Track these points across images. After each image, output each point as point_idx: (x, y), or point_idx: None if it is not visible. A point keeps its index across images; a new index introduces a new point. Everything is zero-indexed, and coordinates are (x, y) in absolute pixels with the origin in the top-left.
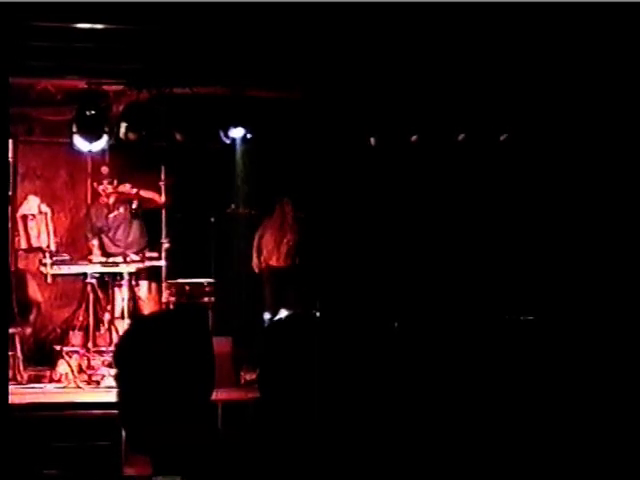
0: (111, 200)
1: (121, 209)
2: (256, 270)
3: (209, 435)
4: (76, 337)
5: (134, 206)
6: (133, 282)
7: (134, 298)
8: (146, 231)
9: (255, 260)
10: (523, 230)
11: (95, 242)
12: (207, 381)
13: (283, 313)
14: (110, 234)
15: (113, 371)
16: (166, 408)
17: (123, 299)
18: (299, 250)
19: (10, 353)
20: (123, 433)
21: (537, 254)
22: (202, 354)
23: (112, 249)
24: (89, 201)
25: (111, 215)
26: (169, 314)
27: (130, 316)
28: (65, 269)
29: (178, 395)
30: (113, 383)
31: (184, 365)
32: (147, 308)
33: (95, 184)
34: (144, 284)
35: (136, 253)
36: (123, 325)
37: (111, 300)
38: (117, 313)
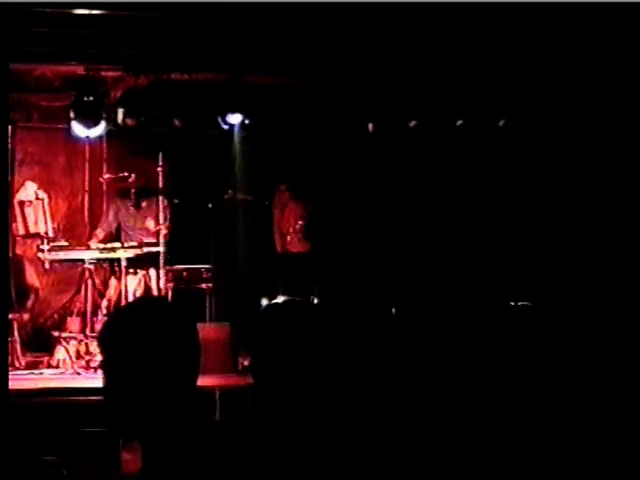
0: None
1: (144, 203)
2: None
3: (196, 420)
4: (74, 323)
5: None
6: (131, 269)
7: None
8: (152, 220)
9: (276, 242)
10: (521, 216)
11: (101, 236)
12: (191, 366)
13: (279, 299)
14: (127, 230)
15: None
16: (149, 394)
17: (120, 286)
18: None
19: (8, 339)
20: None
21: (534, 240)
22: (184, 339)
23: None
24: (87, 188)
25: (132, 208)
26: (152, 300)
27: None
28: (63, 255)
29: (161, 381)
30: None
31: (166, 350)
32: (144, 292)
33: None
34: (142, 271)
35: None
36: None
37: (109, 286)
38: (115, 299)
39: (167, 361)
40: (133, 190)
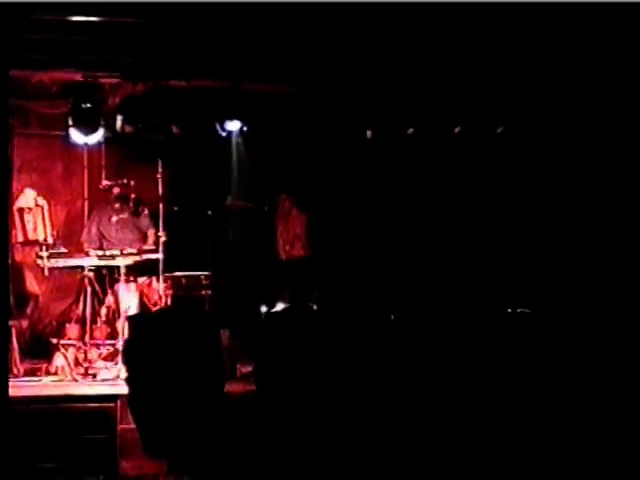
0: (113, 195)
1: (125, 214)
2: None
3: (222, 429)
4: (73, 330)
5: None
6: (130, 276)
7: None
8: (152, 227)
9: (279, 249)
10: (520, 222)
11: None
12: (217, 373)
13: (280, 306)
14: (112, 240)
15: (121, 371)
16: (180, 405)
17: (120, 293)
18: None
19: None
20: (119, 427)
21: (534, 246)
22: (210, 347)
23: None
24: (86, 195)
25: (114, 219)
26: (171, 310)
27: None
28: (62, 262)
29: (191, 391)
30: (109, 376)
31: (193, 360)
32: (146, 302)
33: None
34: (141, 278)
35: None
36: (121, 320)
37: (108, 293)
38: (114, 307)
39: (195, 369)
40: (132, 197)
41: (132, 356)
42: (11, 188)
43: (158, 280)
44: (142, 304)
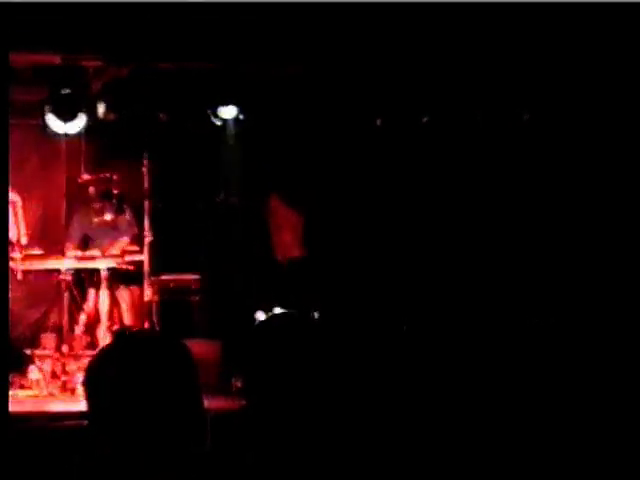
0: (91, 190)
1: (107, 215)
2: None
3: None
4: (49, 340)
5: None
6: (112, 279)
7: (113, 297)
8: (137, 226)
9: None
10: (543, 225)
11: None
12: (195, 430)
13: (275, 312)
14: (95, 242)
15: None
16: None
17: (101, 299)
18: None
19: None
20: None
21: (558, 252)
22: (187, 398)
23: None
24: (64, 191)
25: (95, 219)
26: (150, 339)
27: (110, 319)
28: (37, 265)
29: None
30: None
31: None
32: (127, 310)
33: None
34: (124, 282)
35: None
36: (102, 329)
37: (87, 299)
38: (94, 314)
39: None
40: (115, 193)
41: (93, 382)
42: None
43: (142, 284)
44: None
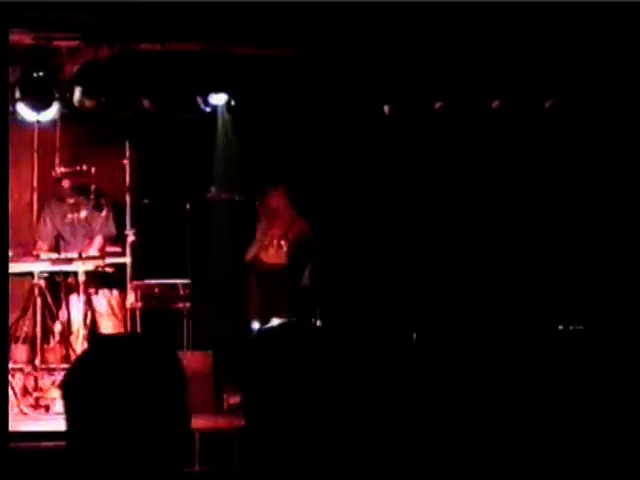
0: (66, 184)
1: (83, 212)
2: (245, 262)
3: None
4: (20, 352)
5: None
6: (90, 284)
7: (91, 304)
8: (115, 224)
9: (249, 250)
10: (571, 223)
11: (45, 247)
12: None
13: (274, 322)
14: (68, 240)
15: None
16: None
17: (78, 306)
18: (297, 246)
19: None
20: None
21: (588, 252)
22: (174, 405)
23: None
24: (35, 185)
25: (69, 215)
26: (133, 341)
27: (88, 329)
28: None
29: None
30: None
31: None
32: (107, 318)
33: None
34: (104, 287)
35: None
36: (78, 339)
37: (63, 306)
38: (70, 323)
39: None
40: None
41: (73, 391)
42: None
43: (125, 290)
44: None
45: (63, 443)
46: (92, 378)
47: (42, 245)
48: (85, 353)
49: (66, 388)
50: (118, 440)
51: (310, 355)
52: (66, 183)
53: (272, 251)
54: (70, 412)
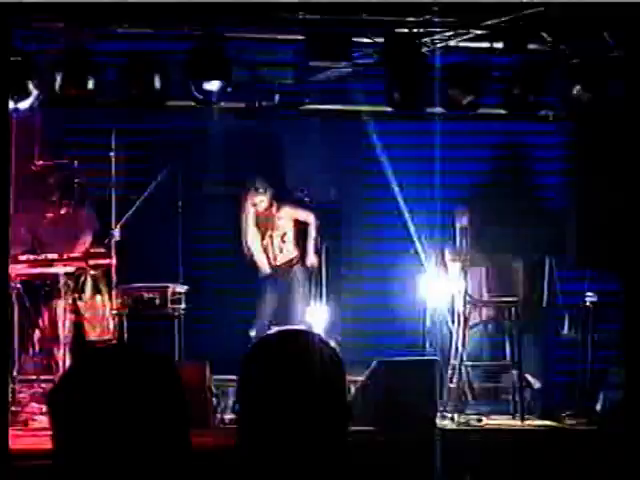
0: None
1: (64, 209)
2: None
3: None
4: None
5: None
6: (72, 288)
7: (74, 311)
8: (97, 222)
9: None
10: None
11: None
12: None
13: (273, 329)
14: (46, 242)
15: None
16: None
17: (58, 312)
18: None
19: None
20: None
21: None
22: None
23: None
24: (12, 180)
25: (49, 214)
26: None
27: (71, 337)
28: None
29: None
30: (45, 424)
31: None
32: (91, 325)
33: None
34: (87, 291)
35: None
36: (60, 348)
37: (43, 312)
38: (50, 330)
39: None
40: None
41: (60, 404)
42: None
43: (109, 294)
44: (80, 330)
45: (45, 462)
46: (83, 395)
47: (16, 249)
48: (73, 367)
49: (53, 405)
50: (111, 463)
51: (311, 365)
52: (48, 178)
53: (274, 251)
54: (58, 430)
